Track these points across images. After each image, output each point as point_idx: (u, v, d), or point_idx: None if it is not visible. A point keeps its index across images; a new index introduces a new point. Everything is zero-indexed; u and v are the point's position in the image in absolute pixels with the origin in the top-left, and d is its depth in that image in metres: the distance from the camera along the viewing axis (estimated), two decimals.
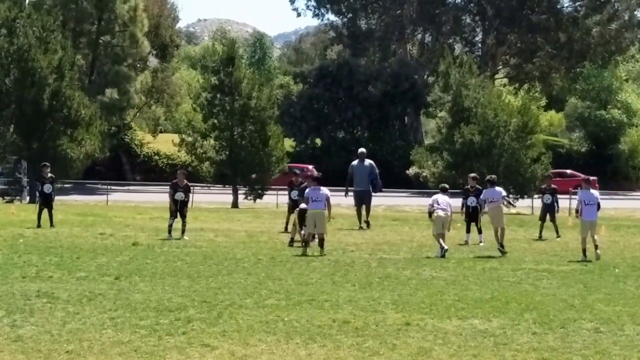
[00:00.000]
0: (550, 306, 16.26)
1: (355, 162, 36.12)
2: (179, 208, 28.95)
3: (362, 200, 35.18)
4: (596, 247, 24.97)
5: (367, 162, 35.96)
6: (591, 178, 26.04)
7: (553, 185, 33.52)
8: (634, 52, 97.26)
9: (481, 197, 27.98)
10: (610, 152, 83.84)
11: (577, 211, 25.76)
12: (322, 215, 24.82)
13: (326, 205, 25.05)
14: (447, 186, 27.66)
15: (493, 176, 28.59)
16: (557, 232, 31.80)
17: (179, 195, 29.07)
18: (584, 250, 24.89)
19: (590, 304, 16.67)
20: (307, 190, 25.60)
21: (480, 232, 29.31)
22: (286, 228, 31.06)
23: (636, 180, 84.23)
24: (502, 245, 25.78)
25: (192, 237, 28.66)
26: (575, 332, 14.02)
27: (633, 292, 18.48)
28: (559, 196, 33.23)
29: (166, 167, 78.16)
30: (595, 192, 25.98)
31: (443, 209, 25.54)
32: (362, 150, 37.30)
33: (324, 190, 25.18)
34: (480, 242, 28.81)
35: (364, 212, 35.05)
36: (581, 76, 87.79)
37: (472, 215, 29.59)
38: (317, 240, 25.39)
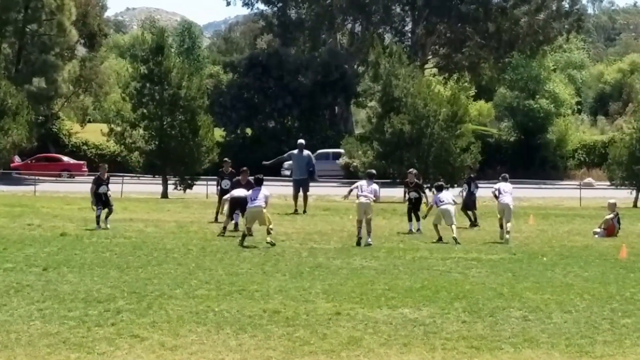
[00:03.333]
0: (479, 295, 16.40)
1: (295, 152, 38.43)
2: (104, 200, 29.14)
3: (300, 187, 36.98)
4: (507, 232, 27.01)
5: (306, 152, 38.26)
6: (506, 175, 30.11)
7: (472, 175, 35.47)
8: (561, 42, 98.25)
9: (432, 201, 28.75)
10: (539, 141, 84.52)
11: (495, 196, 28.45)
12: (261, 211, 24.86)
13: (265, 203, 25.13)
14: (374, 172, 28.54)
15: (441, 183, 30.37)
16: (470, 220, 32.85)
17: (103, 189, 29.38)
18: (501, 227, 27.51)
19: (518, 292, 16.85)
20: (250, 191, 25.68)
21: (418, 219, 29.73)
22: (216, 218, 31.09)
23: (564, 169, 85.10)
24: (455, 239, 26.46)
25: (121, 227, 28.45)
26: (504, 320, 14.16)
27: (561, 280, 18.71)
28: (479, 185, 35.08)
29: (95, 157, 77.26)
30: (510, 185, 28.80)
31: (365, 196, 25.75)
32: (301, 141, 39.28)
33: (264, 190, 25.31)
34: (418, 229, 29.42)
35: (300, 201, 36.76)
36: (510, 66, 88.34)
37: (414, 205, 30.14)
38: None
